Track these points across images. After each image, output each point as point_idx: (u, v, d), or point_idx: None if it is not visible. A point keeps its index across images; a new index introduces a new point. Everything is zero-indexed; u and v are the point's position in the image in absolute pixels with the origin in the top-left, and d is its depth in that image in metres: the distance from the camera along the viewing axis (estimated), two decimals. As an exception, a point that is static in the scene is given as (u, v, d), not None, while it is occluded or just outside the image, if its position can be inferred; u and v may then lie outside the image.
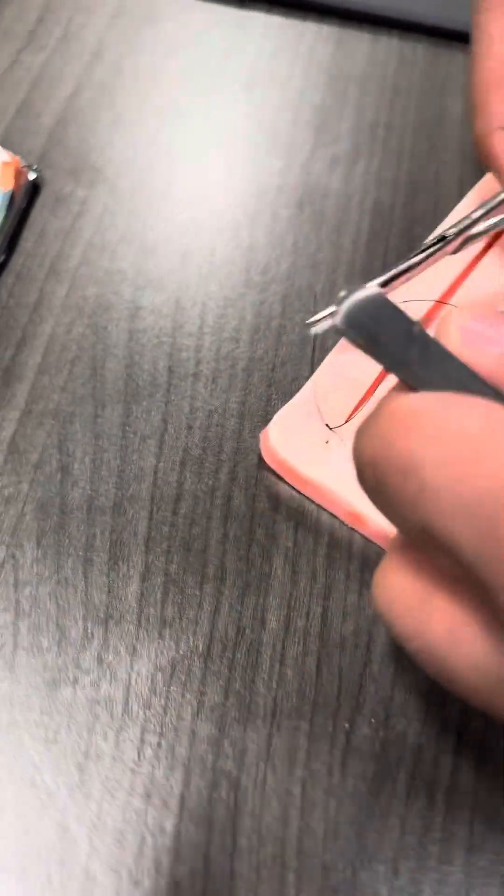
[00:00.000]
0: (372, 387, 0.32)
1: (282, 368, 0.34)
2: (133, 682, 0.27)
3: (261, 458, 0.31)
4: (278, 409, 0.32)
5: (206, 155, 0.39)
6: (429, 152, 0.40)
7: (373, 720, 0.27)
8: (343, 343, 0.33)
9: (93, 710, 0.27)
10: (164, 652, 0.28)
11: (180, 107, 0.41)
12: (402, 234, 0.37)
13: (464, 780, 0.27)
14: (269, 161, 0.39)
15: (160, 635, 0.28)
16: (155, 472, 0.31)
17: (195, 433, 0.32)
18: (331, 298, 0.35)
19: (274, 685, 0.28)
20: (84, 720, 0.27)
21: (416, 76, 0.43)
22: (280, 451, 0.30)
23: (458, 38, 0.44)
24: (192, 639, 0.28)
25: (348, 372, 0.32)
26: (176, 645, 0.28)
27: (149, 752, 0.26)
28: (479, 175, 0.38)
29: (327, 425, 0.31)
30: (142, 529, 0.30)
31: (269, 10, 0.44)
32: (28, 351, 0.33)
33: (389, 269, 0.27)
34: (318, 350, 0.34)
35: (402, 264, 0.27)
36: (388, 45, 0.44)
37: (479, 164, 0.34)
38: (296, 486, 0.31)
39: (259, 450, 0.32)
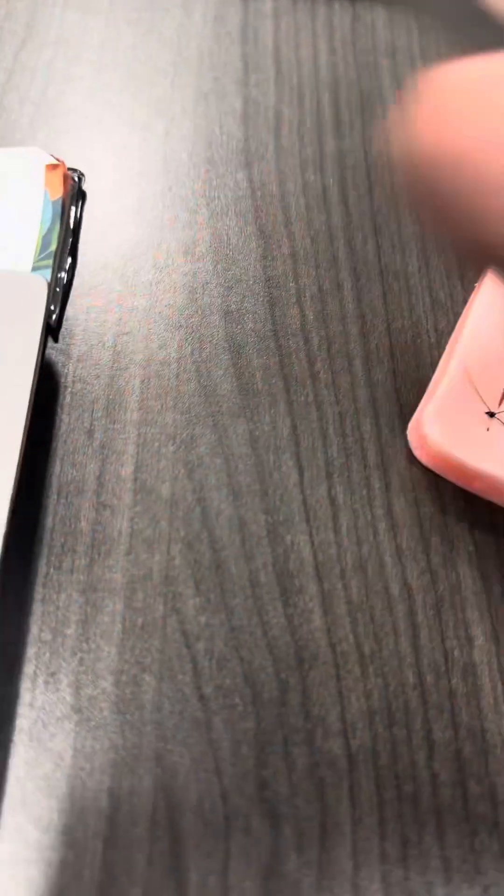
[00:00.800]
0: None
1: (402, 357, 0.30)
2: (350, 732, 0.23)
3: (411, 458, 0.28)
4: (412, 402, 0.29)
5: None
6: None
7: None
8: (479, 314, 0.30)
9: (313, 772, 0.23)
10: (375, 692, 0.24)
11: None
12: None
13: None
14: (324, 141, 0.36)
15: (363, 674, 0.24)
16: (301, 489, 0.27)
17: (332, 441, 0.28)
18: (420, 279, 0.32)
19: (502, 707, 0.24)
20: (313, 789, 0.22)
21: (442, 45, 0.40)
22: (442, 447, 0.27)
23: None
24: (399, 672, 0.24)
25: (491, 345, 0.29)
26: (384, 681, 0.24)
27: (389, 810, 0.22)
28: None
29: (489, 412, 0.28)
30: (307, 555, 0.26)
31: (273, -13, 0.41)
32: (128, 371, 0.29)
33: None
34: (433, 331, 0.31)
35: None
36: (405, 15, 0.41)
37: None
38: (460, 484, 0.28)
39: (407, 449, 0.28)
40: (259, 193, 0.33)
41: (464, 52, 0.40)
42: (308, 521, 0.27)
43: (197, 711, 0.23)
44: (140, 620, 0.24)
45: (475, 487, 0.27)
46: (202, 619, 0.24)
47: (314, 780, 0.23)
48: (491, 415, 0.28)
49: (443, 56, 0.40)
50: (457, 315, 0.31)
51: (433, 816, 0.23)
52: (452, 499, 0.28)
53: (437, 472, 0.28)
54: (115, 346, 0.29)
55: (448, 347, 0.30)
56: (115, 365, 0.29)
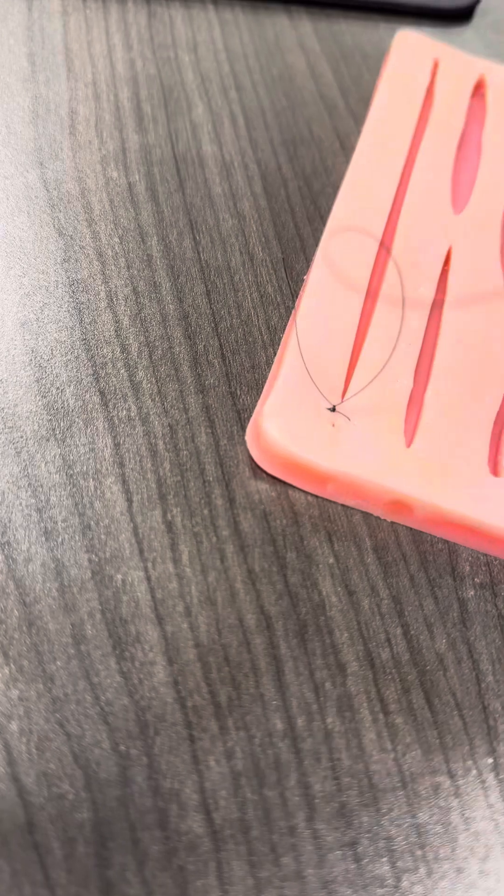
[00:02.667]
0: (356, 346, 0.26)
1: (234, 358, 0.27)
2: (211, 805, 0.19)
3: (255, 467, 0.24)
4: (249, 405, 0.26)
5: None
6: (291, 109, 0.36)
7: (517, 744, 0.21)
8: (311, 306, 0.27)
9: (171, 861, 0.18)
10: (238, 749, 0.20)
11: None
12: (299, 192, 0.32)
13: None
14: (126, 137, 0.32)
15: (222, 728, 0.20)
16: (131, 518, 0.23)
17: (162, 458, 0.24)
18: (245, 274, 0.29)
19: (388, 743, 0.21)
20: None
21: (245, 38, 0.38)
22: (284, 449, 0.24)
23: (274, -2, 0.40)
24: (265, 719, 0.20)
25: (327, 337, 0.26)
26: (248, 734, 0.20)
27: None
28: (356, 126, 0.35)
29: (331, 407, 0.25)
30: (142, 595, 0.22)
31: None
32: None
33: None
34: (265, 328, 0.28)
35: None
36: (205, 13, 0.39)
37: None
38: (311, 490, 0.24)
39: (248, 457, 0.25)
40: (55, 193, 0.29)
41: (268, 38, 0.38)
42: (141, 553, 0.22)
43: (15, 809, 0.18)
44: None
45: (328, 491, 0.24)
46: (14, 693, 0.19)
47: (172, 871, 0.18)
48: (333, 409, 0.25)
49: (247, 49, 0.38)
50: (288, 310, 0.28)
51: (322, 891, 0.18)
52: (305, 507, 0.24)
53: (285, 478, 0.24)
54: None
55: (282, 343, 0.27)
56: None
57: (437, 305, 0.28)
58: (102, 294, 0.27)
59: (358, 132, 0.34)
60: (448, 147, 0.33)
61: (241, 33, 0.38)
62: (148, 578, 0.22)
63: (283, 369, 0.25)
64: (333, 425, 0.25)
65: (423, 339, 0.27)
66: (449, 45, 0.39)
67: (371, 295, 0.28)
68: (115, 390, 0.25)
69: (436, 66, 0.37)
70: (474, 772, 0.21)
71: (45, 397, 0.24)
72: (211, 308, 0.28)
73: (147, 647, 0.21)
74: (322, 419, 0.25)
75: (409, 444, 0.25)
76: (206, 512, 0.23)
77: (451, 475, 0.24)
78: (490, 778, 0.21)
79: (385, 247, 0.30)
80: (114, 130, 0.32)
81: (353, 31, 0.41)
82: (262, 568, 0.23)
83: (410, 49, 0.37)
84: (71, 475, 0.23)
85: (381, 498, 0.24)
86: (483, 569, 0.24)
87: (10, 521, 0.22)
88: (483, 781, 0.21)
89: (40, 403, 0.24)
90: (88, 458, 0.23)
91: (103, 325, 0.26)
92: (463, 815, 0.20)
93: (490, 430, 0.25)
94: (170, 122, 0.33)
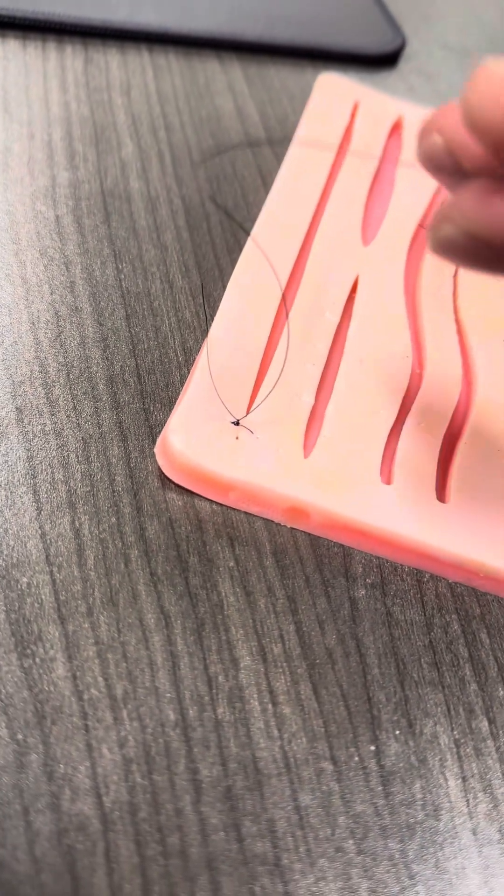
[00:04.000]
0: (262, 366, 0.28)
1: (149, 377, 0.28)
2: (102, 789, 0.20)
3: (163, 478, 0.26)
4: (162, 420, 0.27)
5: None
6: (217, 147, 0.38)
7: (397, 731, 0.23)
8: (220, 327, 0.29)
9: (61, 840, 0.19)
10: (130, 738, 0.21)
11: None
12: (221, 226, 0.34)
13: (517, 762, 0.23)
14: (56, 174, 0.34)
15: (117, 719, 0.21)
16: (40, 525, 0.24)
17: (74, 470, 0.26)
18: (164, 300, 0.31)
19: (276, 732, 0.22)
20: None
21: (177, 82, 0.41)
22: (189, 460, 0.25)
23: (205, 44, 0.43)
24: (158, 710, 0.22)
25: (235, 357, 0.28)
26: (141, 724, 0.21)
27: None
28: (278, 163, 0.37)
29: (235, 421, 0.26)
30: (47, 597, 0.23)
31: (2, 36, 0.40)
32: None
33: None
34: (181, 350, 0.29)
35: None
36: (140, 58, 0.41)
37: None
38: (215, 498, 0.26)
39: (158, 469, 0.26)
40: (-16, 225, 0.31)
41: (199, 86, 0.40)
42: (48, 558, 0.24)
43: None
44: None
45: (230, 499, 0.26)
46: None
47: (62, 850, 0.19)
48: (237, 423, 0.26)
49: (178, 92, 0.40)
50: (204, 333, 0.30)
51: (205, 868, 0.20)
52: (209, 514, 0.26)
53: (190, 487, 0.26)
54: None
55: (195, 363, 0.28)
56: None
57: (342, 329, 0.30)
58: (24, 317, 0.29)
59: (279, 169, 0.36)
60: (362, 183, 0.36)
61: (173, 77, 0.41)
62: (53, 581, 0.23)
63: (191, 386, 0.27)
64: (237, 438, 0.26)
65: (327, 360, 0.29)
66: (370, 88, 0.42)
67: (279, 319, 0.30)
68: (32, 406, 0.27)
69: (356, 107, 0.39)
70: (357, 758, 0.22)
71: (-37, 413, 0.26)
72: (130, 331, 0.30)
73: (48, 645, 0.22)
74: (226, 432, 0.26)
75: (307, 454, 0.26)
76: (113, 520, 0.25)
77: (346, 483, 0.26)
78: (372, 764, 0.22)
79: (296, 275, 0.32)
80: (45, 167, 0.34)
81: (282, 75, 0.43)
82: (164, 571, 0.24)
83: (331, 91, 0.40)
84: (-15, 486, 0.25)
85: (280, 504, 0.25)
86: (374, 570, 0.26)
87: None
88: (365, 767, 0.22)
89: (-42, 419, 0.26)
90: (1, 470, 0.25)
91: (24, 346, 0.28)
92: (344, 798, 0.21)
93: (384, 442, 0.27)
94: (100, 159, 0.35)
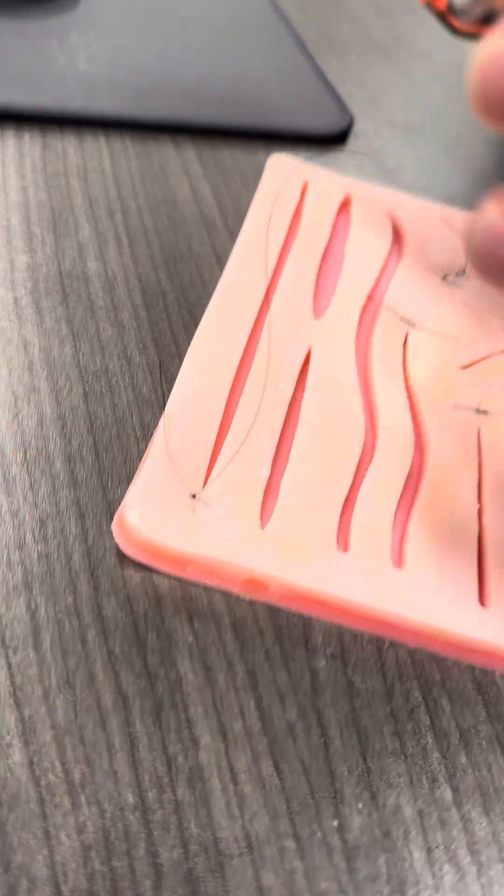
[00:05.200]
0: (219, 439, 0.29)
1: (107, 454, 0.29)
2: (61, 877, 0.20)
3: (121, 555, 0.26)
4: (121, 496, 0.27)
5: None
6: (173, 228, 0.39)
7: (360, 804, 0.23)
8: (176, 400, 0.29)
9: (19, 940, 0.19)
10: (89, 823, 0.21)
11: None
12: (177, 303, 0.35)
13: (481, 833, 0.23)
14: (14, 257, 0.35)
15: (75, 804, 0.21)
16: (-3, 608, 0.24)
17: (30, 549, 0.26)
18: (122, 377, 0.31)
19: (237, 811, 0.22)
20: None
21: (133, 165, 0.42)
22: (145, 536, 0.26)
23: (160, 129, 0.45)
24: (117, 794, 0.21)
25: (191, 431, 0.29)
26: (100, 809, 0.21)
27: None
28: (232, 242, 0.38)
29: (192, 495, 0.27)
30: (2, 682, 0.23)
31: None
32: None
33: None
34: (139, 425, 0.30)
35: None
36: (97, 143, 0.43)
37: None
38: (173, 573, 0.26)
39: (116, 545, 0.26)
40: None
41: (147, 173, 0.42)
42: (3, 641, 0.24)
43: None
44: None
45: (188, 573, 0.26)
46: None
47: None
48: (194, 497, 0.27)
49: (134, 175, 0.41)
50: (162, 408, 0.30)
51: None
52: (168, 589, 0.26)
53: (148, 563, 0.26)
54: None
55: (152, 438, 0.29)
56: None
57: (296, 400, 0.31)
58: (-18, 400, 0.29)
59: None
60: (313, 259, 0.37)
61: (129, 161, 0.42)
62: (8, 665, 0.23)
63: (147, 461, 0.27)
64: (194, 511, 0.26)
65: (282, 431, 0.30)
66: (319, 167, 0.43)
67: (235, 393, 0.30)
68: (-11, 488, 0.27)
69: (305, 186, 0.41)
70: (319, 834, 0.22)
71: None
72: (88, 409, 0.30)
73: (4, 731, 0.22)
74: (183, 506, 0.27)
75: (264, 525, 0.27)
76: (70, 599, 0.25)
77: (303, 552, 0.26)
78: (335, 839, 0.22)
79: (250, 348, 0.32)
80: (3, 251, 0.35)
81: (235, 156, 0.45)
82: (122, 650, 0.24)
83: (281, 171, 0.42)
84: None
85: (238, 577, 0.26)
86: (335, 640, 0.26)
87: None
88: (328, 843, 0.22)
89: None
90: (-41, 553, 0.25)
91: (-19, 429, 0.28)
92: (307, 876, 0.21)
93: (340, 509, 0.28)
94: (57, 242, 0.36)
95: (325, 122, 0.49)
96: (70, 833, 0.21)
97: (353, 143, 0.49)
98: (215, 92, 0.49)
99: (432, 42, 0.65)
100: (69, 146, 0.42)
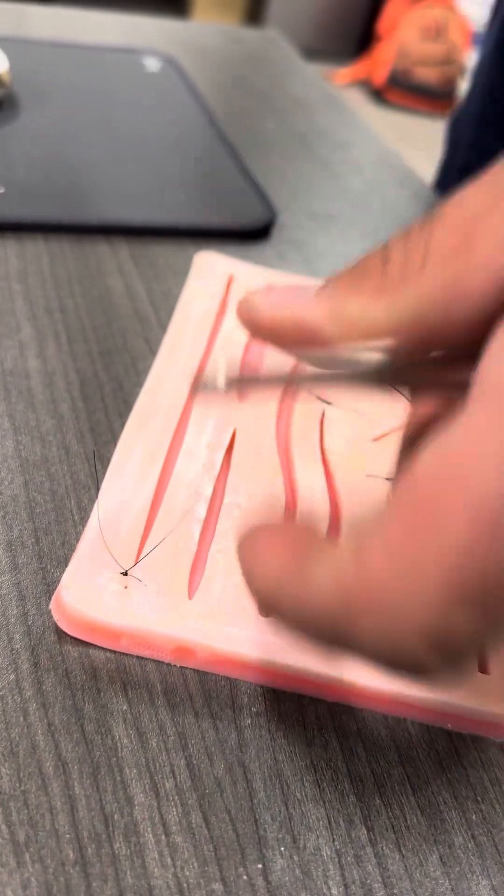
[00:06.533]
0: (150, 516, 0.31)
1: (46, 538, 0.32)
2: (6, 935, 0.22)
3: (60, 632, 0.29)
4: (59, 577, 0.30)
5: None
6: (108, 323, 0.42)
7: (283, 848, 0.25)
8: (109, 483, 0.32)
9: None
10: (33, 879, 0.23)
11: None
12: (113, 393, 0.38)
13: (393, 868, 0.25)
14: (-41, 358, 0.38)
15: (20, 863, 0.23)
16: None
17: (-23, 631, 0.28)
18: (61, 465, 0.34)
19: (169, 860, 0.24)
20: None
21: (70, 267, 0.46)
22: (80, 612, 0.28)
23: (96, 231, 0.49)
24: (58, 851, 0.24)
25: (124, 511, 0.31)
26: (43, 865, 0.23)
27: None
28: (160, 333, 0.42)
29: (123, 572, 0.29)
30: (-48, 755, 0.25)
31: None
32: None
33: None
34: (76, 509, 0.33)
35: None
36: (36, 247, 0.46)
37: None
38: (107, 646, 0.28)
39: (55, 623, 0.29)
40: None
41: (91, 274, 0.45)
42: (-47, 717, 0.26)
43: None
44: None
45: (122, 645, 0.28)
46: None
47: None
48: (125, 573, 0.29)
49: (72, 275, 0.45)
50: (97, 492, 0.33)
51: None
52: (103, 662, 0.28)
53: (84, 638, 0.28)
54: None
55: (88, 521, 0.32)
56: None
57: (222, 479, 0.34)
58: None
59: (158, 340, 0.41)
60: (236, 348, 0.40)
61: (67, 262, 0.46)
62: (-43, 738, 0.25)
63: (81, 542, 0.30)
64: (126, 587, 0.29)
65: (209, 507, 0.33)
66: (242, 261, 0.47)
67: (165, 474, 0.33)
68: None
69: (230, 280, 0.45)
70: (245, 877, 0.24)
71: None
72: (28, 496, 0.33)
73: (-47, 800, 0.24)
74: (115, 582, 0.29)
75: (191, 596, 0.29)
76: (12, 677, 0.27)
77: (227, 620, 0.29)
78: (259, 881, 0.24)
79: (180, 431, 0.35)
80: None
81: (166, 253, 0.49)
82: (61, 720, 0.26)
83: (208, 267, 0.45)
84: None
85: (167, 646, 0.28)
86: (259, 699, 0.28)
87: None
88: (253, 885, 0.24)
89: None
90: None
91: None
92: (234, 918, 0.23)
93: (260, 579, 0.30)
94: (0, 343, 0.39)
95: (249, 217, 0.53)
96: (16, 889, 0.23)
97: (276, 235, 0.54)
98: (147, 193, 0.53)
99: (349, 132, 0.71)
100: (10, 251, 0.46)
